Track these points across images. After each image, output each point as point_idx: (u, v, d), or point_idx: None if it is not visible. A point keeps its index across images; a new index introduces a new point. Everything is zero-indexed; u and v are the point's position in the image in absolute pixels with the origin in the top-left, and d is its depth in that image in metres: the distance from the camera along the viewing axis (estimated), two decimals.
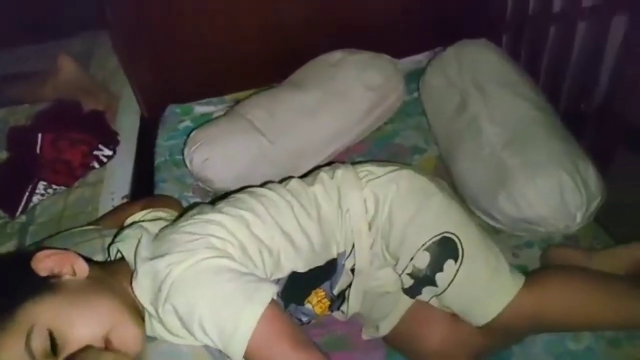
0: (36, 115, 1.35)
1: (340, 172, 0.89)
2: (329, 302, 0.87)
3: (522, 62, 1.36)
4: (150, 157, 1.31)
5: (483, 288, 0.81)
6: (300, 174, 1.20)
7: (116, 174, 1.25)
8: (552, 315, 0.80)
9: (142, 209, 0.91)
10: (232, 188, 1.16)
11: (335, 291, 0.87)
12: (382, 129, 1.31)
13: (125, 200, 1.17)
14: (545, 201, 0.96)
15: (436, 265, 0.81)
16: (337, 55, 1.28)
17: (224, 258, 0.69)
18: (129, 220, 0.86)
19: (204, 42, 1.37)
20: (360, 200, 0.85)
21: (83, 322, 0.64)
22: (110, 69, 1.61)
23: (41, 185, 1.16)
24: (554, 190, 0.96)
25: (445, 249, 0.81)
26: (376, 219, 0.85)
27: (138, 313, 0.70)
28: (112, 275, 0.73)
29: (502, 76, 1.16)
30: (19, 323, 0.61)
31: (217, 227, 0.73)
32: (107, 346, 0.64)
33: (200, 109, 1.43)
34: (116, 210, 1.05)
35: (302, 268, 0.80)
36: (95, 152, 1.25)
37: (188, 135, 1.23)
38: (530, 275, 0.84)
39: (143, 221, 0.83)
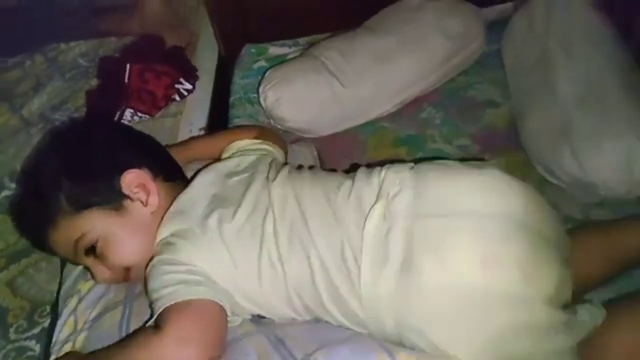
0: (124, 48, 1.43)
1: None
2: None
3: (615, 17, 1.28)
4: (226, 94, 1.37)
5: None
6: (370, 118, 1.23)
7: (195, 107, 1.31)
8: None
9: (255, 137, 0.91)
10: (304, 127, 1.21)
11: None
12: (455, 80, 1.29)
13: (202, 132, 1.24)
14: (608, 165, 0.94)
15: None
16: (417, 0, 1.26)
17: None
18: (233, 146, 0.90)
19: None
20: None
21: (122, 251, 0.73)
22: (191, 6, 1.66)
23: (128, 112, 1.24)
24: (620, 154, 0.93)
25: None
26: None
27: None
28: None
29: (590, 32, 1.11)
30: (81, 223, 0.72)
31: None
32: (125, 272, 0.74)
33: (275, 50, 1.45)
34: (228, 131, 1.04)
35: None
36: (177, 85, 1.31)
37: (263, 75, 1.26)
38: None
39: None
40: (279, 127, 1.24)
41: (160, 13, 1.52)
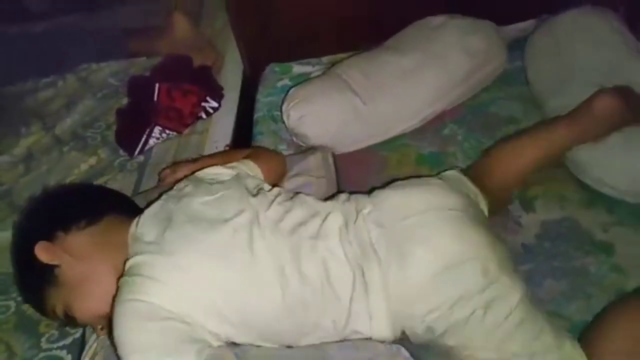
0: (153, 67, 1.48)
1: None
2: None
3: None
4: (250, 111, 1.40)
5: None
6: (391, 135, 1.24)
7: (220, 125, 1.36)
8: None
9: (245, 158, 0.98)
10: (326, 145, 1.22)
11: None
12: (478, 96, 1.30)
13: (227, 148, 1.28)
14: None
15: None
16: (438, 19, 1.28)
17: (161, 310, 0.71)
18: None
19: (305, 4, 1.42)
20: None
21: (83, 310, 0.80)
22: (218, 27, 1.72)
23: (157, 129, 1.29)
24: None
25: None
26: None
27: None
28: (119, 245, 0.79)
29: (612, 44, 1.13)
30: (46, 305, 0.81)
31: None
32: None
33: (298, 68, 1.48)
34: (222, 153, 1.10)
35: None
36: (203, 104, 1.36)
37: (286, 93, 1.29)
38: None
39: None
40: (301, 144, 1.26)
41: (189, 34, 1.57)
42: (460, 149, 1.20)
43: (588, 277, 0.91)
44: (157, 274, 0.72)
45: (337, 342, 0.76)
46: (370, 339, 0.78)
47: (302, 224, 0.80)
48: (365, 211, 0.82)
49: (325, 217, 0.81)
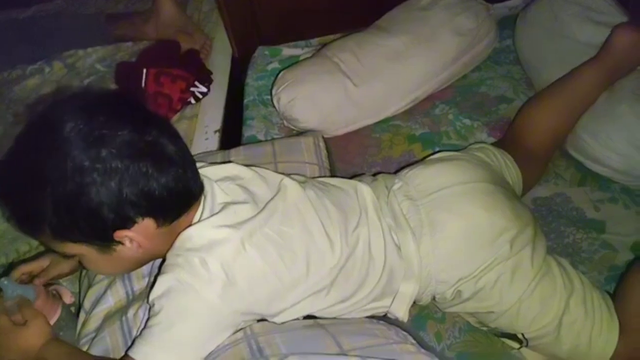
0: (140, 53, 1.45)
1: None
2: None
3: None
4: (240, 95, 1.39)
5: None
6: (383, 117, 1.24)
7: (210, 110, 1.34)
8: None
9: None
10: (317, 128, 1.22)
11: None
12: (468, 76, 1.30)
13: (217, 134, 1.27)
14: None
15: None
16: None
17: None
18: None
19: None
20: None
21: (100, 271, 0.81)
22: (205, 11, 1.69)
23: None
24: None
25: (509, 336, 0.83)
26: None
27: None
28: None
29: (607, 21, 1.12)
30: (62, 246, 0.70)
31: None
32: None
33: (288, 51, 1.47)
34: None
35: None
36: (192, 89, 1.34)
37: (276, 76, 1.28)
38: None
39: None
40: (292, 127, 1.26)
41: (175, 18, 1.54)
42: (453, 128, 1.20)
43: (580, 254, 0.93)
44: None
45: (350, 325, 0.76)
46: (385, 315, 0.83)
47: (342, 202, 0.82)
48: (395, 187, 0.86)
49: (356, 191, 0.85)
